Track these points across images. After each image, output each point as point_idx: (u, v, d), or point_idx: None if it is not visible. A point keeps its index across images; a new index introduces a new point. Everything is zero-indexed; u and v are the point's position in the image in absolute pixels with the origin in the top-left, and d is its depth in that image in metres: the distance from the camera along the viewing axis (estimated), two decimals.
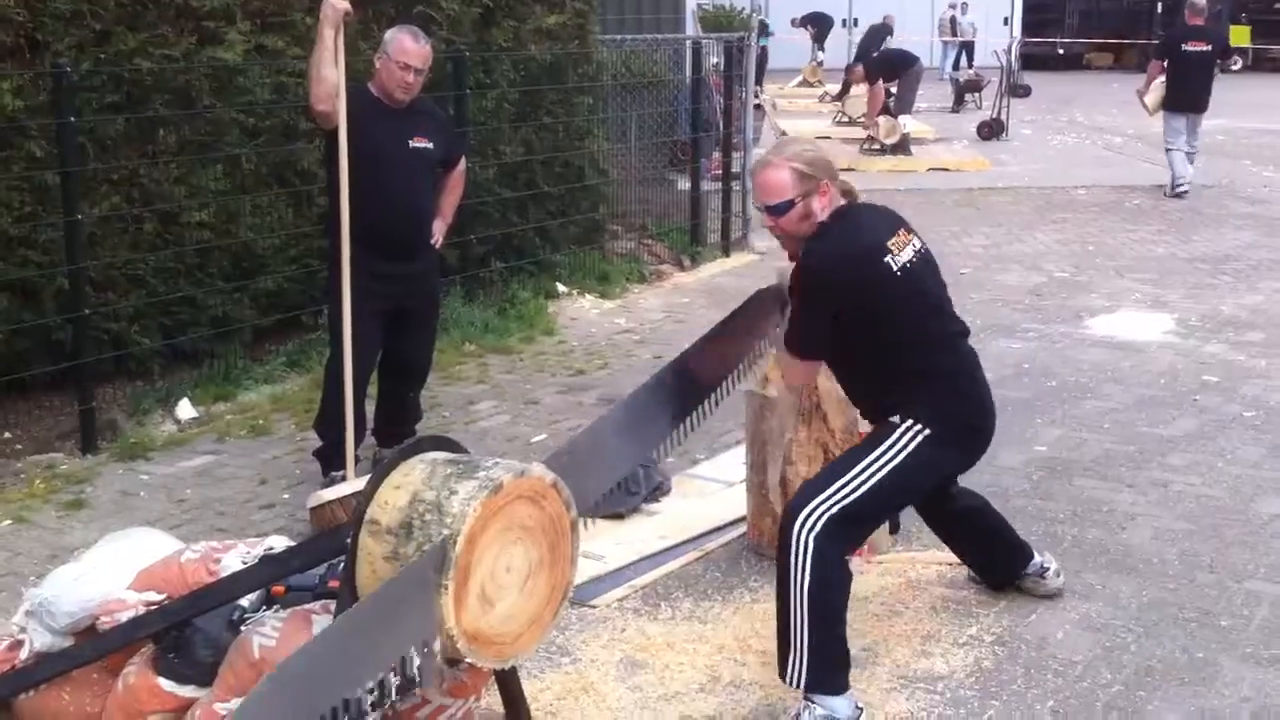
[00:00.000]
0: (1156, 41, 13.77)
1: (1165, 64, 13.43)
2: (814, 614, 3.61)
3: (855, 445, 3.93)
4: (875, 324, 3.77)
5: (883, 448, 3.75)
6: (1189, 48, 13.36)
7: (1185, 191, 13.48)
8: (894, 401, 3.82)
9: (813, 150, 3.84)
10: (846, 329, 3.77)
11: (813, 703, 3.63)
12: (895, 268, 3.74)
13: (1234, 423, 6.36)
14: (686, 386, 3.84)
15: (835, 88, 23.03)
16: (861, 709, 3.70)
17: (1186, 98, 13.32)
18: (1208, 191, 14.23)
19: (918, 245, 3.85)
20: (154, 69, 6.61)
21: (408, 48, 5.24)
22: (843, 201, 3.86)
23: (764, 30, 26.15)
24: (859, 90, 19.91)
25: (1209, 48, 13.43)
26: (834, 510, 3.66)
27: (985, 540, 4.44)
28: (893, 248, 3.76)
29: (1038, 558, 4.50)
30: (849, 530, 3.72)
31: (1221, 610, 4.40)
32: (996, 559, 4.49)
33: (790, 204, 3.74)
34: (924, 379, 3.81)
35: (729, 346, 3.96)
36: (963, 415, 3.85)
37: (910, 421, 3.76)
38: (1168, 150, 13.63)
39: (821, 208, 3.76)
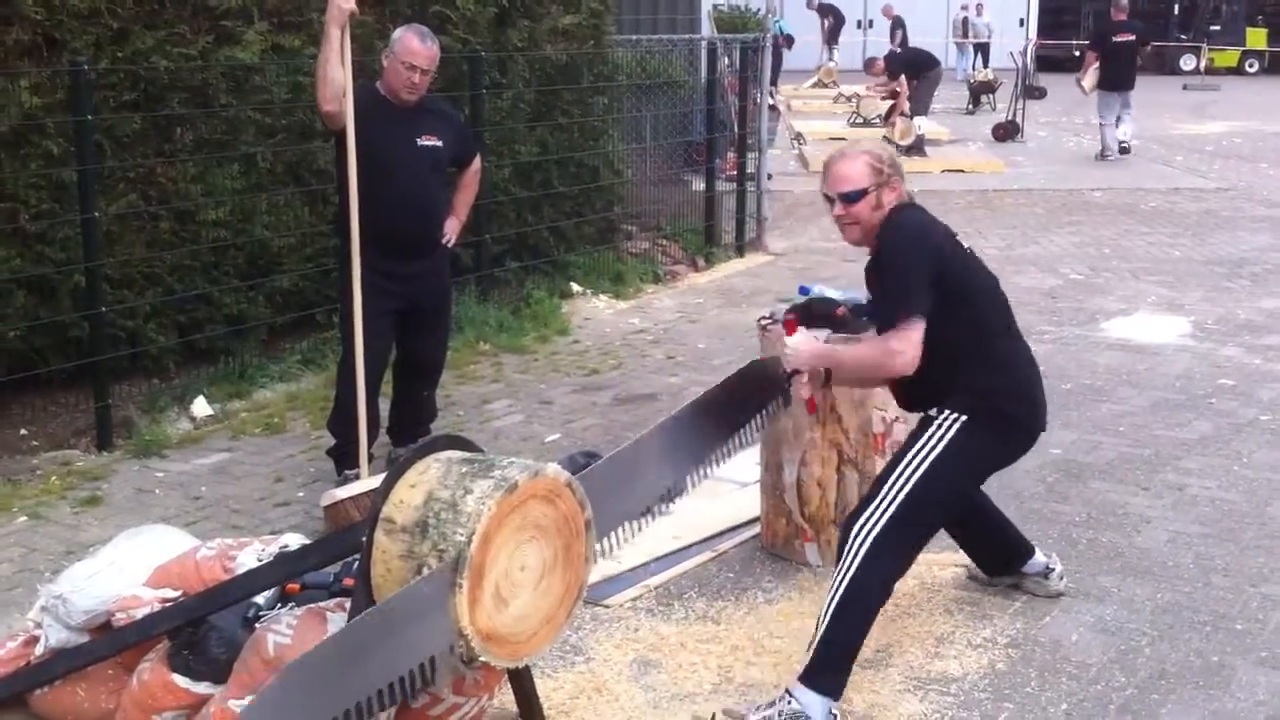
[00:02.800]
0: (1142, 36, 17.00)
1: (1098, 53, 16.46)
2: (837, 614, 3.65)
3: (900, 447, 3.97)
4: (955, 297, 3.78)
5: (920, 442, 3.82)
6: (1117, 39, 16.40)
7: (1112, 157, 16.66)
8: (936, 388, 3.85)
9: (886, 149, 4.04)
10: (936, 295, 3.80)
11: (791, 696, 3.64)
12: (965, 247, 3.93)
13: (1250, 426, 6.34)
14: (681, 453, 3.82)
15: (850, 89, 23.02)
16: (836, 715, 3.68)
17: (1117, 79, 16.30)
18: (1224, 194, 14.21)
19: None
20: (171, 68, 6.63)
21: (414, 48, 5.24)
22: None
23: (789, 42, 26.23)
24: (865, 92, 19.94)
25: (1133, 38, 16.45)
26: (886, 515, 3.72)
27: (986, 529, 4.45)
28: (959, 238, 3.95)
29: (1041, 557, 4.51)
30: (905, 533, 3.75)
31: (1237, 614, 4.38)
32: (988, 550, 4.51)
33: (863, 193, 3.86)
34: (972, 363, 3.85)
35: (725, 412, 3.92)
36: (1000, 402, 3.86)
37: (946, 412, 3.82)
38: (1100, 125, 16.88)
39: (890, 201, 3.88)
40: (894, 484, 3.77)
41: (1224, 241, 11.42)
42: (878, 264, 3.93)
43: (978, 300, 3.89)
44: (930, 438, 3.81)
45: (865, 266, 4.07)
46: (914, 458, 3.80)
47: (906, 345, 3.69)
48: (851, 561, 3.69)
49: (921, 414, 3.94)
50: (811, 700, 3.62)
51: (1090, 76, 16.51)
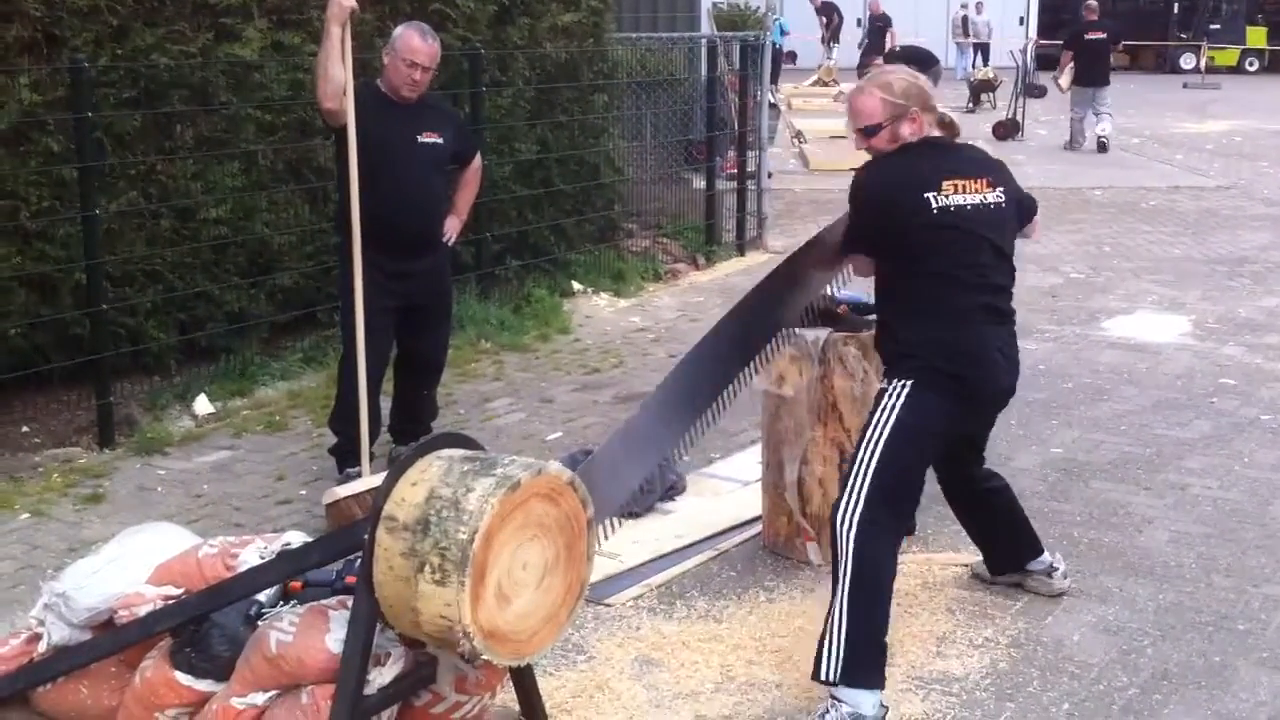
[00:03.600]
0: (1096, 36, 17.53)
1: (1073, 51, 17.51)
2: (853, 607, 3.65)
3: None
4: (898, 251, 3.86)
5: (875, 416, 3.82)
6: (1090, 36, 17.41)
7: (1081, 148, 17.63)
8: (893, 347, 3.89)
9: (908, 79, 3.94)
10: (879, 251, 3.93)
11: (839, 700, 3.63)
12: (934, 206, 3.78)
13: (1251, 426, 6.34)
14: (750, 331, 4.12)
15: (850, 87, 22.99)
16: (887, 708, 3.70)
17: (1090, 74, 17.23)
18: (1225, 193, 14.21)
19: (992, 199, 3.87)
20: (171, 65, 6.63)
21: (415, 46, 5.23)
22: (936, 133, 3.94)
23: (792, 58, 26.27)
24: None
25: (1105, 36, 17.44)
26: (862, 496, 3.72)
27: (998, 523, 4.45)
28: (947, 188, 3.80)
29: (1047, 556, 4.51)
30: (885, 509, 3.74)
31: (1238, 614, 4.38)
32: (1004, 544, 4.50)
33: (879, 127, 3.88)
34: (923, 316, 3.83)
35: (794, 286, 4.20)
36: (945, 360, 3.80)
37: (893, 382, 3.82)
38: (1071, 118, 17.89)
39: (911, 133, 3.87)
40: (860, 464, 3.77)
41: (1225, 240, 11.42)
42: None
43: (934, 255, 3.81)
44: (882, 409, 3.81)
45: None
46: (872, 433, 3.80)
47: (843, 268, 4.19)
48: (846, 551, 3.69)
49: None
50: (860, 698, 3.62)
51: (1066, 75, 17.51)
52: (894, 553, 3.80)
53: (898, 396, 3.80)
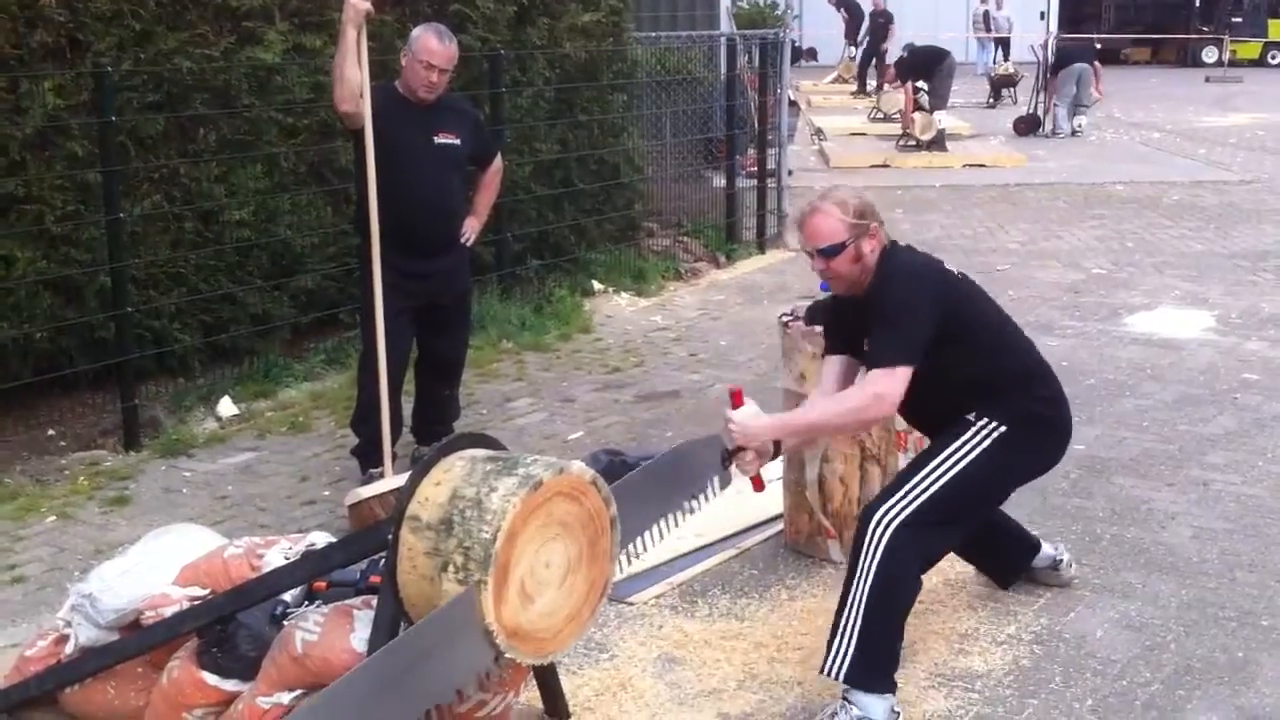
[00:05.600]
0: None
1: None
2: (871, 610, 3.63)
3: (930, 444, 3.92)
4: (967, 327, 3.81)
5: (954, 445, 3.79)
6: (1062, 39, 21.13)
7: (1062, 135, 18.69)
8: (971, 407, 3.85)
9: (859, 195, 3.89)
10: (940, 337, 3.72)
11: (850, 703, 3.63)
12: (957, 274, 3.89)
13: (1275, 421, 6.31)
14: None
15: (870, 84, 22.97)
16: (899, 713, 3.70)
17: (1065, 60, 18.90)
18: (1247, 187, 14.14)
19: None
20: (193, 68, 6.67)
21: (432, 48, 5.26)
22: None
23: (812, 54, 26.28)
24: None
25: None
26: (908, 510, 3.69)
27: (989, 540, 4.41)
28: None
29: (1048, 549, 4.51)
30: (924, 532, 3.71)
31: (1262, 610, 4.37)
32: (1002, 556, 4.50)
33: (842, 246, 3.77)
34: (1005, 379, 3.85)
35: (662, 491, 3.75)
36: (1042, 415, 3.87)
37: (985, 420, 3.79)
38: (1054, 106, 19.01)
39: (871, 249, 3.80)
40: (921, 481, 3.74)
41: (1247, 234, 11.36)
42: (868, 312, 3.76)
43: (992, 322, 3.90)
44: (966, 443, 3.78)
45: (819, 303, 4.06)
46: (946, 459, 3.77)
47: (893, 390, 3.61)
48: (873, 555, 3.67)
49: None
50: (870, 702, 3.62)
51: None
52: (922, 572, 3.79)
53: (985, 437, 3.78)
